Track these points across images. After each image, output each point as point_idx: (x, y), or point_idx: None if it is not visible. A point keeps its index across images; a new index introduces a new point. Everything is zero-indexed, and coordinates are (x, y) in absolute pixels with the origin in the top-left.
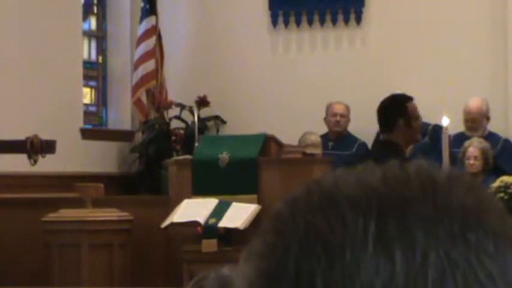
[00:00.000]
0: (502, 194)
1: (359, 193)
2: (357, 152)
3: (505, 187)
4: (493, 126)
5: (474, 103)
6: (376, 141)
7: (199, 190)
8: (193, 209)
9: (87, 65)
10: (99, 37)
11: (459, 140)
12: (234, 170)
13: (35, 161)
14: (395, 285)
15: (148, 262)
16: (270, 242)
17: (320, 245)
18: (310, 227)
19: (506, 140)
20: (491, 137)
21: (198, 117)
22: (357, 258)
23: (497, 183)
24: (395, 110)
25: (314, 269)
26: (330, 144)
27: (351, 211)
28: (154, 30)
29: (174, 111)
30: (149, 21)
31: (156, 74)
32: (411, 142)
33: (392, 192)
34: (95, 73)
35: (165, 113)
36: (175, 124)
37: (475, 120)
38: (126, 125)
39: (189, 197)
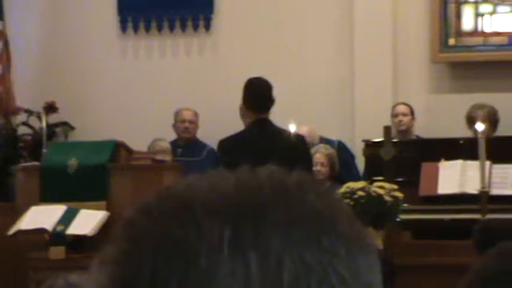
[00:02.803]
0: (347, 200)
1: (213, 200)
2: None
3: (351, 193)
4: (339, 135)
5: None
6: None
7: (47, 197)
8: (41, 216)
9: None
10: None
11: None
12: (82, 177)
13: None
14: None
15: None
16: (124, 249)
17: (176, 252)
18: (165, 234)
19: (340, 143)
20: (325, 142)
21: (46, 123)
22: (213, 264)
23: (343, 189)
24: None
25: (170, 276)
26: (179, 150)
27: (205, 218)
28: (1, 35)
29: (21, 117)
30: None
31: (3, 79)
32: None
33: (246, 199)
34: None
35: (12, 119)
36: (22, 130)
37: None
38: None
39: (36, 204)
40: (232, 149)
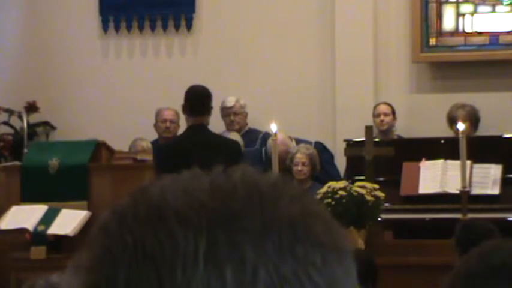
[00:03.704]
0: (329, 200)
1: (187, 208)
2: None
3: (332, 193)
4: (320, 135)
5: (279, 148)
6: None
7: (28, 197)
8: (22, 216)
9: None
10: None
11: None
12: (64, 177)
13: None
14: None
15: None
16: (98, 257)
17: (150, 265)
18: (139, 244)
19: (317, 143)
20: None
21: (27, 123)
22: (188, 278)
23: (324, 189)
24: None
25: None
26: None
27: (180, 228)
28: None
29: (2, 117)
30: None
31: None
32: None
33: (220, 206)
34: None
35: None
36: (3, 130)
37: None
38: None
39: (17, 204)
40: (166, 152)
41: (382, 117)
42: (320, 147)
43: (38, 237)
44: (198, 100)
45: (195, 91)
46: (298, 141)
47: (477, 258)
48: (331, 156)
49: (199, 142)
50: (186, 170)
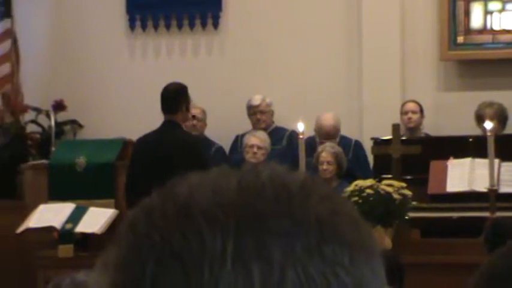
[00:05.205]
0: (356, 198)
1: (215, 207)
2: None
3: (360, 191)
4: (348, 133)
5: (328, 122)
6: None
7: (56, 195)
8: (50, 214)
9: None
10: None
11: (310, 145)
12: (91, 175)
13: None
14: None
15: (2, 268)
16: (126, 256)
17: (177, 263)
18: (166, 243)
19: (357, 142)
20: (343, 141)
21: (55, 121)
22: (215, 277)
23: (351, 187)
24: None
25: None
26: None
27: (208, 227)
28: (9, 33)
29: (30, 115)
30: (5, 24)
31: (12, 77)
32: None
33: (248, 206)
34: None
35: (20, 117)
36: (31, 128)
37: (329, 136)
38: None
39: (45, 202)
40: (140, 146)
41: (410, 115)
42: (358, 146)
43: (65, 235)
44: (169, 98)
45: (167, 89)
46: (341, 137)
47: (502, 257)
48: (365, 156)
49: (167, 138)
50: (151, 163)
